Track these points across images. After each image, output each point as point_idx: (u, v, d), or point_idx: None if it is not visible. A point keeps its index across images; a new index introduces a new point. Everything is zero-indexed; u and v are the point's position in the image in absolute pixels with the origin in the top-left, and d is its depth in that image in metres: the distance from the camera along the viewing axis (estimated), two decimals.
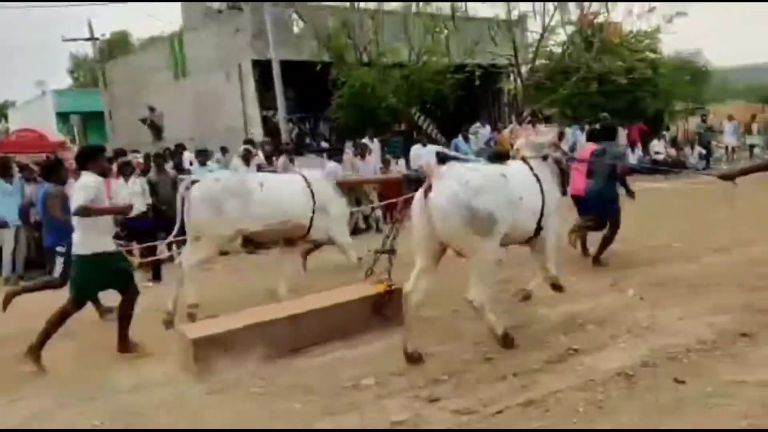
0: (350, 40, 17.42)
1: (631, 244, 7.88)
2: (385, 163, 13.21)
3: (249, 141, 13.42)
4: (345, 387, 4.22)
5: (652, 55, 20.81)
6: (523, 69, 19.77)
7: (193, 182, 6.12)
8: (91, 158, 5.12)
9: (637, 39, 20.45)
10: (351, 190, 7.44)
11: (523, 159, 5.37)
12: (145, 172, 9.70)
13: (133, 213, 6.45)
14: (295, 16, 17.87)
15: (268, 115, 17.61)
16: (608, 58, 19.00)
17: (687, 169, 19.84)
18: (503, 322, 4.84)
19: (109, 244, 5.20)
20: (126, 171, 8.93)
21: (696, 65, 27.27)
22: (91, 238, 4.98)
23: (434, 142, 15.16)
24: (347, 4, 18.28)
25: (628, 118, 20.39)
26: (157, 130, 18.72)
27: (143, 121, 18.91)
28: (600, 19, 19.38)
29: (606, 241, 7.34)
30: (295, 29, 17.92)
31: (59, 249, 5.90)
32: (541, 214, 5.08)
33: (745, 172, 5.22)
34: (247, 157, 11.36)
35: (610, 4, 19.04)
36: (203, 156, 11.36)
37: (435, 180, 4.56)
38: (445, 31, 18.71)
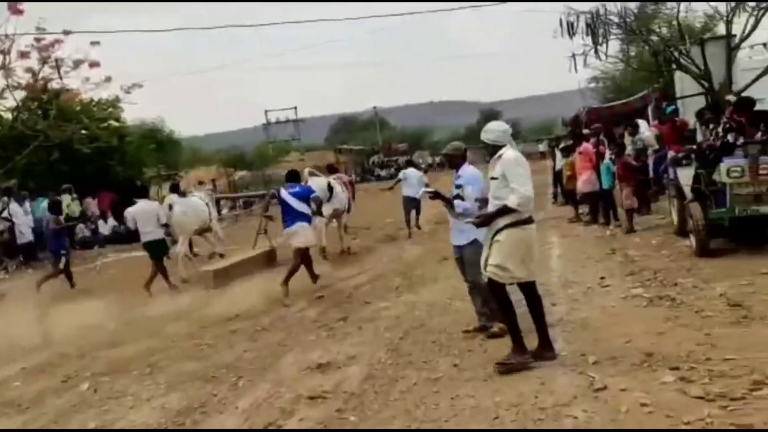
0: None
1: None
2: None
3: None
4: None
5: (116, 124, 20.89)
6: None
7: None
8: None
9: (99, 107, 20.25)
10: None
11: None
12: None
13: None
14: None
15: None
16: (70, 126, 18.15)
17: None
18: None
19: None
20: None
21: (163, 133, 28.84)
22: None
23: None
24: None
25: (99, 186, 19.87)
26: None
27: None
28: (54, 85, 18.38)
29: None
30: None
31: None
32: None
33: None
34: None
35: (62, 70, 18.22)
36: None
37: None
38: None
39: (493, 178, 4.92)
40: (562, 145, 14.58)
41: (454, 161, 5.80)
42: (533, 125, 78.60)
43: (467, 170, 5.71)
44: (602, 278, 7.37)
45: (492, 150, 4.95)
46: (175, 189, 12.41)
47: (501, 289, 4.89)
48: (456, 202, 5.59)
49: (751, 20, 15.68)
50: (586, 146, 11.95)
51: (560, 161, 14.65)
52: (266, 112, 63.47)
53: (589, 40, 16.91)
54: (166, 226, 10.49)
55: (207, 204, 12.11)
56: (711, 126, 8.14)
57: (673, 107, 11.39)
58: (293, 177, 9.34)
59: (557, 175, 15.86)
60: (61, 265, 11.20)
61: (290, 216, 8.65)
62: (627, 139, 13.10)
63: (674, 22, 16.72)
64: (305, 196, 8.81)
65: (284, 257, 10.16)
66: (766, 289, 5.95)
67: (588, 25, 16.89)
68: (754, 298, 5.73)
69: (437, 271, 9.06)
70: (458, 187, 5.65)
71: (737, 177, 7.29)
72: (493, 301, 5.19)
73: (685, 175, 8.58)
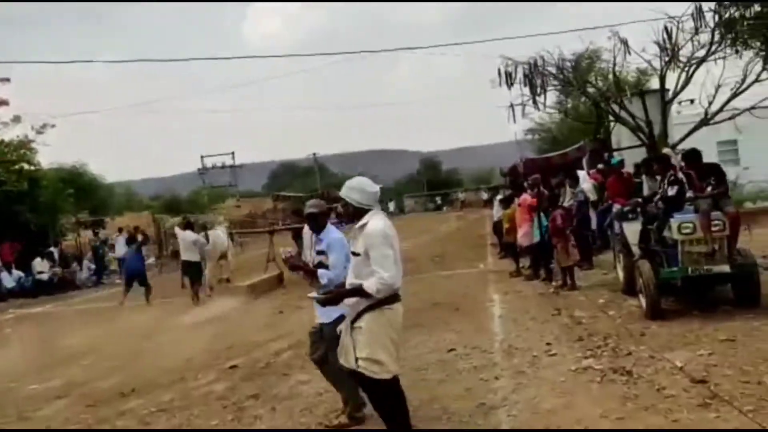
0: None
1: None
2: None
3: None
4: None
5: (28, 167, 19.34)
6: None
7: None
8: None
9: (10, 149, 18.72)
10: None
11: None
12: None
13: None
14: None
15: None
16: None
17: (77, 288, 18.86)
18: None
19: None
20: None
21: (85, 177, 27.17)
22: None
23: None
24: None
25: (6, 235, 18.17)
26: None
27: None
28: None
29: None
30: None
31: None
32: None
33: None
34: None
35: None
36: None
37: None
38: None
39: (354, 254, 4.10)
40: (500, 196, 14.11)
41: (320, 222, 4.85)
42: (472, 175, 79.60)
43: (331, 234, 4.84)
44: (549, 344, 6.63)
45: (354, 212, 4.10)
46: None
47: (378, 387, 4.06)
48: (320, 272, 4.67)
49: (683, 76, 15.92)
50: (525, 197, 11.44)
51: (498, 212, 14.16)
52: (202, 157, 62.09)
53: (527, 90, 16.84)
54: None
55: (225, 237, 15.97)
56: (658, 178, 7.67)
57: (620, 158, 11.01)
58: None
59: (496, 226, 15.37)
60: None
61: None
62: (568, 192, 12.72)
63: (610, 76, 16.79)
64: None
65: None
66: (729, 361, 5.33)
67: (526, 76, 16.79)
68: (718, 373, 5.08)
69: None
70: (320, 253, 4.79)
71: (689, 233, 6.79)
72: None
73: (632, 231, 8.07)
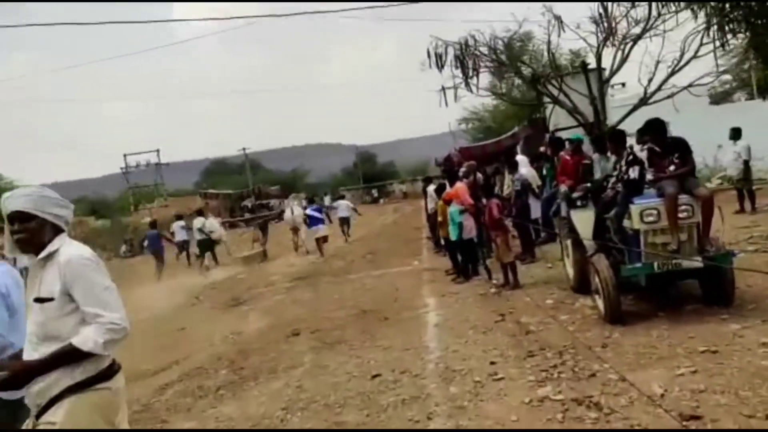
0: None
1: None
2: None
3: None
4: None
5: None
6: None
7: None
8: None
9: None
10: None
11: None
12: None
13: None
14: None
15: None
16: None
17: None
18: None
19: None
20: None
21: None
22: None
23: None
24: None
25: None
26: None
27: None
28: None
29: None
30: None
31: None
32: None
33: None
34: None
35: None
36: None
37: None
38: None
39: (39, 300, 2.58)
40: (433, 186, 12.89)
41: None
42: (408, 167, 78.79)
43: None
44: (493, 363, 5.41)
45: (41, 235, 2.62)
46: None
47: None
48: None
49: (620, 54, 15.13)
50: (460, 187, 10.26)
51: (432, 203, 12.96)
52: (125, 156, 58.88)
53: (459, 73, 15.72)
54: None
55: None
56: (612, 158, 6.55)
57: (578, 135, 9.76)
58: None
59: (430, 218, 14.18)
60: None
61: None
62: (507, 179, 11.64)
63: (545, 54, 15.85)
64: None
65: None
66: (718, 383, 4.22)
67: (457, 57, 15.66)
68: (710, 402, 3.95)
69: (279, 356, 6.77)
70: None
71: (653, 222, 5.69)
72: None
73: (583, 220, 6.95)
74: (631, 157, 6.22)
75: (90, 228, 40.51)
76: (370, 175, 73.10)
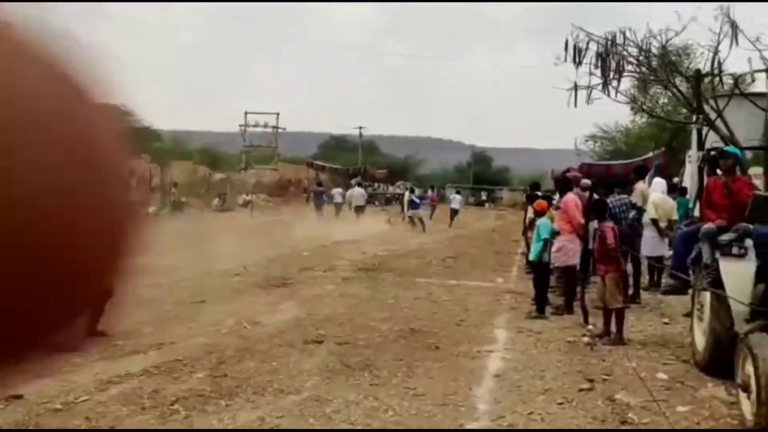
0: None
1: None
2: None
3: None
4: None
5: None
6: None
7: None
8: None
9: None
10: None
11: None
12: None
13: None
14: None
15: None
16: None
17: None
18: None
19: None
20: None
21: None
22: None
23: None
24: None
25: None
26: None
27: None
28: None
29: None
30: None
31: None
32: None
33: None
34: None
35: None
36: None
37: None
38: None
39: None
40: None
41: None
42: (524, 176, 75.41)
43: None
44: None
45: None
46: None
47: None
48: None
49: None
50: (570, 199, 8.19)
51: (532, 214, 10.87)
52: (246, 114, 59.91)
53: (598, 72, 13.47)
54: None
55: None
56: None
57: (735, 150, 7.26)
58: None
59: (526, 231, 12.07)
60: None
61: None
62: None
63: (707, 66, 13.19)
64: None
65: None
66: None
67: (599, 54, 13.38)
68: None
69: (280, 370, 5.16)
70: None
71: None
72: None
73: (737, 275, 4.79)
74: None
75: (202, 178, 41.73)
76: (482, 177, 70.72)
